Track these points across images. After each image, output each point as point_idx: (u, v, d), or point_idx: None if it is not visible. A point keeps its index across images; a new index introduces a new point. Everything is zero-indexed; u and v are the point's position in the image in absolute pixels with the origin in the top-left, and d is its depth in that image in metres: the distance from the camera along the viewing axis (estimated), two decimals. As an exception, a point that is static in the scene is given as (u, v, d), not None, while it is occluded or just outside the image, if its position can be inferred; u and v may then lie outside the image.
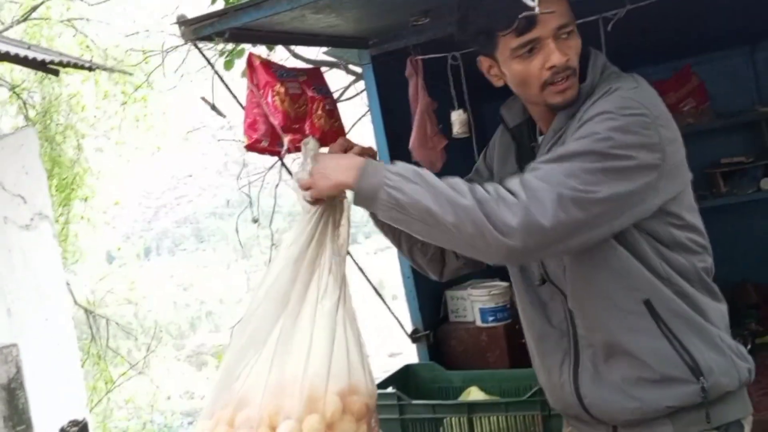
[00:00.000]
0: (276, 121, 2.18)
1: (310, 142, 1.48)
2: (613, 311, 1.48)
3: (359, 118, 5.16)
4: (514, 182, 1.38)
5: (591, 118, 1.42)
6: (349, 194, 1.46)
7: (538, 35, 1.45)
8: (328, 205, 1.50)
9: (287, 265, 1.49)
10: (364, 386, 1.50)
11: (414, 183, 1.38)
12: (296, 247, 1.49)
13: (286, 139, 2.17)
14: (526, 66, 1.48)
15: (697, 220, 1.51)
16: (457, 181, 1.39)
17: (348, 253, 1.57)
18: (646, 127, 1.40)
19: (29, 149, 5.11)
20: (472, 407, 2.19)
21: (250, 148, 2.22)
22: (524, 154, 1.61)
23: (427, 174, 1.41)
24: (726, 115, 3.59)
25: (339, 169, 1.44)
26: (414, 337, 2.73)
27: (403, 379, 2.49)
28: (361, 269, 2.67)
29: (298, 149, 1.56)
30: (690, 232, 1.49)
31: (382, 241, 1.89)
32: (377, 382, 2.41)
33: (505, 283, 2.73)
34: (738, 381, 1.49)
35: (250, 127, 2.22)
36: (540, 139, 1.58)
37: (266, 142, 2.22)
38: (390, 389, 2.29)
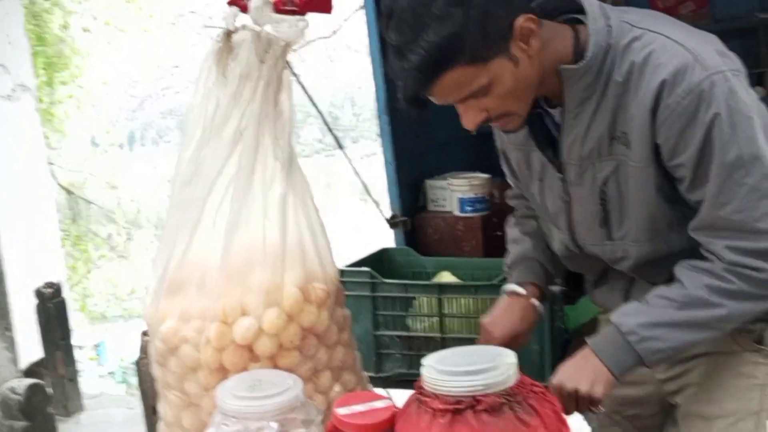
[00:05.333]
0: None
1: None
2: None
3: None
4: (728, 252, 1.33)
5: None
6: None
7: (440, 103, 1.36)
8: (262, 76, 1.42)
9: (223, 146, 1.43)
10: (322, 273, 1.49)
11: (662, 330, 1.36)
12: (230, 129, 1.42)
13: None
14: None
15: None
16: (692, 294, 1.35)
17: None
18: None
19: (13, 19, 4.99)
20: (443, 288, 2.23)
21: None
22: (532, 123, 1.49)
23: (661, 310, 1.37)
24: (724, 20, 3.55)
25: (589, 376, 1.39)
26: (391, 222, 2.75)
27: (378, 261, 2.52)
28: (353, 166, 2.67)
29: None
30: None
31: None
32: (351, 262, 2.45)
33: (485, 175, 2.74)
34: None
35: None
36: (555, 113, 1.47)
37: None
38: (365, 268, 2.32)
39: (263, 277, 1.41)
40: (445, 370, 1.15)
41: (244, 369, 1.40)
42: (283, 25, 1.38)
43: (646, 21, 1.38)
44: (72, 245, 8.86)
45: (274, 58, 1.41)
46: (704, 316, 1.36)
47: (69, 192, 8.86)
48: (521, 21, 1.31)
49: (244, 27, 1.41)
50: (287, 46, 1.41)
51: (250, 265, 1.42)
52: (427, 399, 1.15)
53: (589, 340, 1.44)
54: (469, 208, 2.74)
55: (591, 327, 2.34)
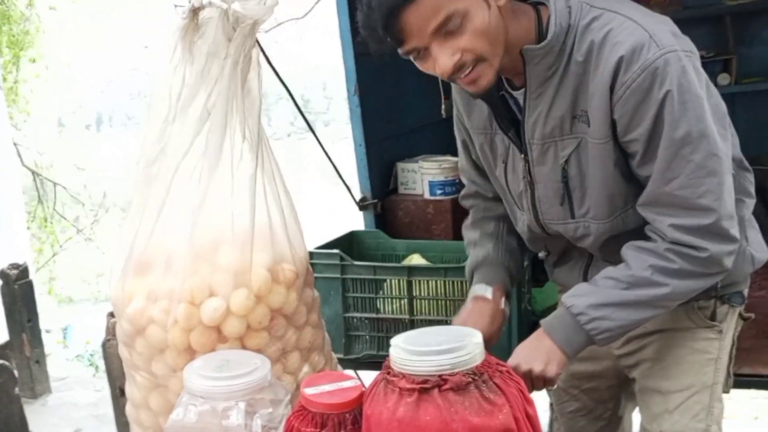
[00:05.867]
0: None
1: None
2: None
3: None
4: (674, 231, 1.37)
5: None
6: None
7: (414, 46, 1.33)
8: (229, 55, 1.39)
9: (190, 123, 1.40)
10: (291, 253, 1.48)
11: (610, 310, 1.40)
12: (197, 107, 1.39)
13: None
14: (425, 66, 1.38)
15: None
16: (637, 274, 1.40)
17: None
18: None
19: (-24, -4, 4.88)
20: (412, 270, 2.24)
21: None
22: (495, 106, 1.51)
23: (608, 290, 1.42)
24: (694, 7, 3.59)
25: (542, 356, 1.43)
26: (361, 205, 2.75)
27: (348, 244, 2.53)
28: (323, 148, 2.66)
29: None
30: None
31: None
32: (321, 244, 2.44)
33: (456, 158, 2.75)
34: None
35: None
36: (518, 95, 1.48)
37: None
38: (335, 251, 2.32)
39: (231, 258, 1.39)
40: (413, 350, 1.15)
41: (212, 350, 1.39)
42: (251, 3, 1.36)
43: (605, 1, 1.41)
44: (38, 227, 8.74)
45: (242, 36, 1.39)
46: (649, 295, 1.40)
47: (35, 173, 8.73)
48: None
49: (210, 4, 1.38)
50: (255, 24, 1.38)
51: (218, 245, 1.41)
52: (394, 378, 1.15)
53: (543, 322, 1.48)
54: (439, 191, 2.75)
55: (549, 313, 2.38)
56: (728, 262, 1.40)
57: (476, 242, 1.73)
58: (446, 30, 1.30)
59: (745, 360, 2.27)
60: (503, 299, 1.66)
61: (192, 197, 1.41)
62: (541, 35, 1.39)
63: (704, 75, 1.40)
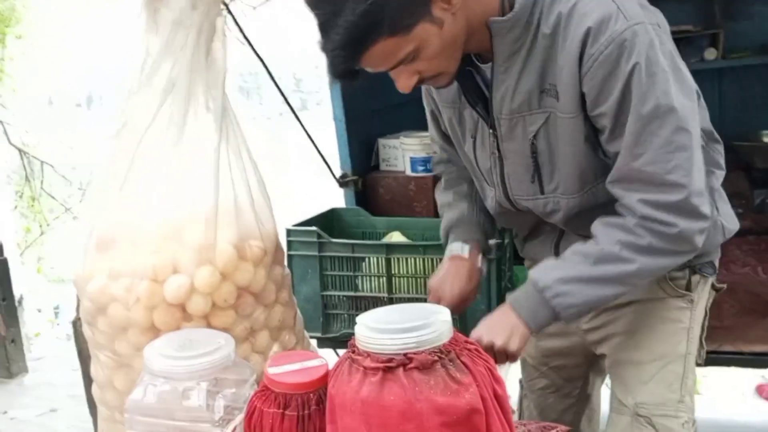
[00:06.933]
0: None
1: None
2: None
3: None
4: (649, 209, 1.34)
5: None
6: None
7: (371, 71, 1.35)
8: (194, 24, 1.35)
9: (154, 94, 1.36)
10: (259, 230, 1.43)
11: (576, 285, 1.37)
12: (161, 78, 1.35)
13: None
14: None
15: None
16: (605, 250, 1.36)
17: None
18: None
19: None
20: (391, 248, 2.21)
21: None
22: (463, 80, 1.48)
23: (575, 265, 1.38)
24: (680, -19, 3.55)
25: (505, 330, 1.41)
26: (342, 181, 2.71)
27: (328, 221, 2.49)
28: (304, 128, 2.62)
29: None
30: None
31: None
32: (299, 222, 2.40)
33: (438, 134, 2.71)
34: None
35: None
36: (485, 69, 1.45)
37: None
38: (312, 227, 2.28)
39: (196, 234, 1.35)
40: (377, 328, 1.12)
41: (177, 328, 1.35)
42: (215, -31, 1.31)
43: None
44: (27, 206, 8.67)
45: (207, 4, 1.34)
46: (616, 272, 1.37)
47: (22, 152, 8.64)
48: None
49: (175, -29, 1.34)
50: (220, -8, 1.34)
51: (182, 221, 1.37)
52: (359, 357, 1.12)
53: (508, 296, 1.46)
54: (420, 168, 2.71)
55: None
56: (699, 240, 1.37)
57: (450, 203, 1.73)
58: (398, 65, 1.32)
59: (726, 337, 2.25)
60: (479, 257, 1.65)
61: (155, 172, 1.37)
62: (505, 7, 1.36)
63: (672, 47, 1.37)
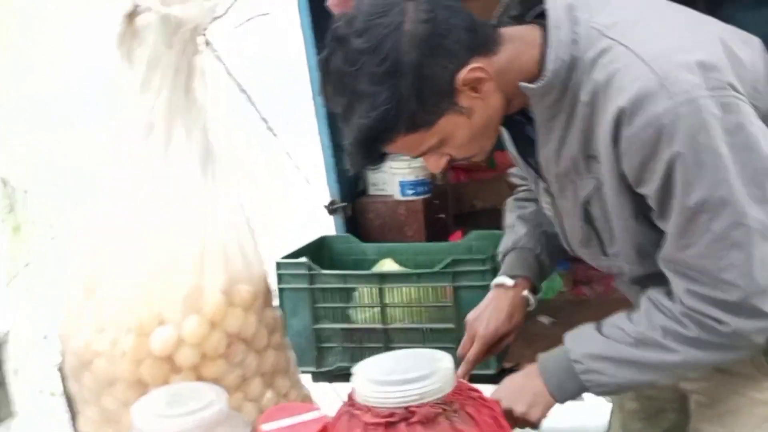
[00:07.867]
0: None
1: None
2: None
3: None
4: (696, 300, 1.18)
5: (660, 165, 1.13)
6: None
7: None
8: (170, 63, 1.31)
9: (133, 137, 1.32)
10: (248, 273, 1.38)
11: (610, 364, 1.26)
12: (138, 121, 1.31)
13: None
14: None
15: None
16: (647, 333, 1.22)
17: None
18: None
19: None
20: (384, 278, 2.15)
21: None
22: (511, 132, 1.39)
23: (613, 343, 1.26)
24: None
25: (527, 397, 1.32)
26: (330, 208, 2.65)
27: (317, 250, 2.43)
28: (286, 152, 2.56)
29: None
30: None
31: None
32: (289, 253, 2.34)
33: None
34: None
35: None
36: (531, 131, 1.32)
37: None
38: (302, 259, 2.22)
39: (181, 282, 1.30)
40: (377, 380, 1.07)
41: (166, 382, 1.30)
42: (191, 5, 1.26)
43: (621, 24, 1.20)
44: (10, 237, 8.56)
45: (182, 43, 1.29)
46: (656, 359, 1.24)
47: (2, 180, 8.53)
48: (465, 74, 1.17)
49: (148, 9, 1.28)
50: (196, 29, 1.29)
51: (166, 269, 1.31)
52: (358, 412, 1.07)
53: (540, 357, 1.36)
54: (410, 191, 2.66)
55: (552, 304, 2.29)
56: (758, 339, 1.20)
57: (511, 225, 1.61)
58: (426, 152, 1.25)
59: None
60: (527, 290, 1.52)
61: (136, 217, 1.32)
62: (543, 65, 1.21)
63: (740, 116, 1.14)
